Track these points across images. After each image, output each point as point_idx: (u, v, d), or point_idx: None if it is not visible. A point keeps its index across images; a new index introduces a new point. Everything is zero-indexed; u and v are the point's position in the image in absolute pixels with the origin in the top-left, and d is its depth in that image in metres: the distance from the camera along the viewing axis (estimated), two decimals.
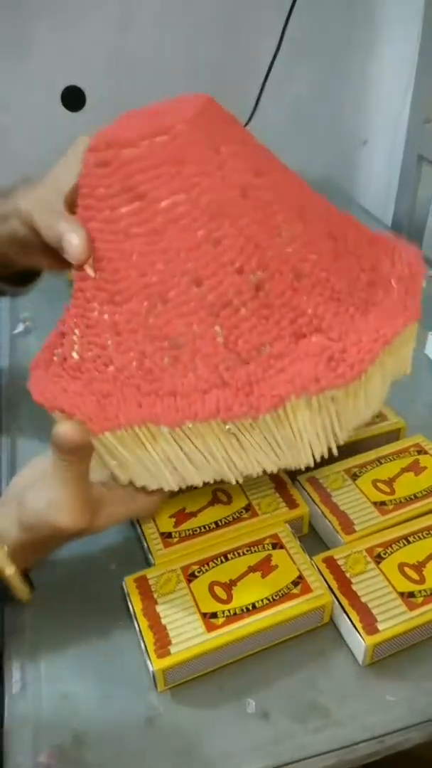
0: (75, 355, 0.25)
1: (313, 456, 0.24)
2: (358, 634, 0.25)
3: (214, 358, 0.23)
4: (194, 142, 0.23)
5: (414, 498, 0.31)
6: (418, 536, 0.28)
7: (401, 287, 0.25)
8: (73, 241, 0.24)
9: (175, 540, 0.29)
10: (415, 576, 0.27)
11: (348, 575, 0.27)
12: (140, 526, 0.29)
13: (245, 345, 0.23)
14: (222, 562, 0.27)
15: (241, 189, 0.23)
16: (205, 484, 0.25)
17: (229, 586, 0.26)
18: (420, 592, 0.26)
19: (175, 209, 0.23)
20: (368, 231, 0.27)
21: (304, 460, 0.24)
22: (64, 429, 0.23)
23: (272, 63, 0.60)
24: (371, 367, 0.23)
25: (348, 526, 0.29)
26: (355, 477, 0.32)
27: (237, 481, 0.24)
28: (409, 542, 0.28)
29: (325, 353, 0.22)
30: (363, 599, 0.26)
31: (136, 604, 0.26)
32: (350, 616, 0.25)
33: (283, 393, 0.22)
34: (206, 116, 0.24)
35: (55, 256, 0.27)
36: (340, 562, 0.27)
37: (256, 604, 0.25)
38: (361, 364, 0.22)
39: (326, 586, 0.26)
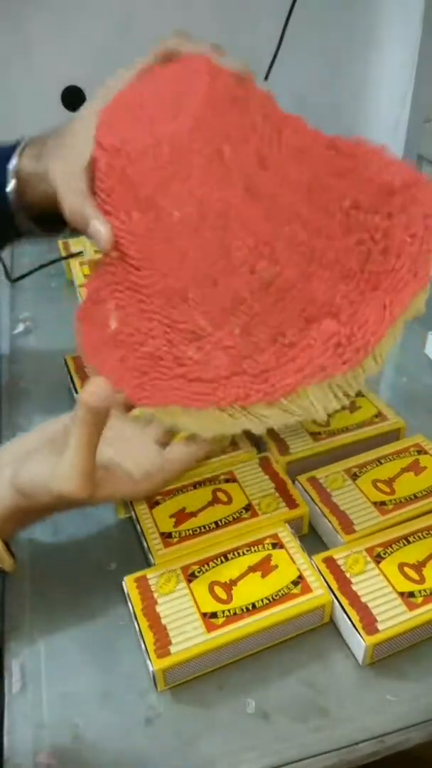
0: (113, 324, 0.26)
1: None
2: (358, 634, 0.25)
3: (233, 349, 0.24)
4: (198, 149, 0.24)
5: (414, 498, 0.31)
6: (418, 536, 0.28)
7: (413, 250, 0.25)
8: (102, 230, 0.25)
9: (175, 540, 0.29)
10: (415, 576, 0.27)
11: (348, 575, 0.27)
12: (140, 525, 0.29)
13: (260, 335, 0.24)
14: (222, 562, 0.27)
15: (246, 187, 0.24)
16: None
17: (229, 586, 0.26)
18: (420, 592, 0.26)
19: (186, 220, 0.24)
20: (382, 176, 0.26)
21: (319, 416, 0.26)
22: (98, 384, 0.23)
23: (272, 63, 0.60)
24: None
25: (348, 526, 0.29)
26: (355, 477, 0.32)
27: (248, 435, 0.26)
28: (409, 542, 0.28)
29: (332, 340, 0.24)
30: (363, 599, 0.26)
31: (136, 603, 0.26)
32: (350, 615, 0.25)
33: (293, 382, 0.23)
34: (210, 106, 0.24)
35: None
36: (339, 562, 0.27)
37: (256, 604, 0.25)
38: (367, 347, 0.24)
39: (326, 585, 0.26)
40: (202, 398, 0.24)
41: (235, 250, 0.24)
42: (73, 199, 0.28)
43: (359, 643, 0.25)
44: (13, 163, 0.32)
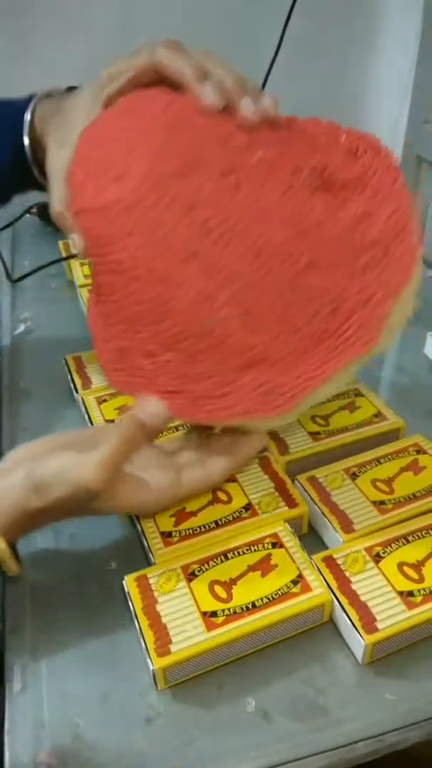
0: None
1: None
2: (357, 633, 0.25)
3: (175, 371, 0.26)
4: (143, 212, 0.25)
5: (413, 497, 0.31)
6: (418, 535, 0.28)
7: (365, 314, 0.26)
8: (77, 244, 0.27)
9: (176, 539, 0.29)
10: (414, 575, 0.27)
11: (347, 574, 0.27)
12: (140, 524, 0.29)
13: (201, 368, 0.26)
14: (222, 561, 0.27)
15: (188, 253, 0.25)
16: None
17: (229, 585, 0.26)
18: (419, 591, 0.26)
19: (131, 269, 0.25)
20: (353, 236, 0.26)
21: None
22: (156, 405, 0.25)
23: (272, 64, 0.60)
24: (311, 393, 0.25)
25: (347, 525, 0.29)
26: (354, 476, 0.32)
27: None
28: (408, 541, 0.28)
29: (262, 388, 0.25)
30: (362, 598, 0.26)
31: (136, 602, 0.26)
32: (350, 615, 0.25)
33: (224, 416, 0.26)
34: (158, 161, 0.25)
35: None
36: (339, 561, 0.27)
37: (256, 603, 0.25)
38: (294, 398, 0.25)
39: (326, 585, 0.26)
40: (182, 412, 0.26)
41: (172, 311, 0.25)
42: (58, 188, 0.29)
43: (359, 642, 0.25)
44: (27, 119, 0.33)
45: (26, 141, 0.33)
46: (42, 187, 0.35)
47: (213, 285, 0.25)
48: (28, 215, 0.60)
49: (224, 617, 0.25)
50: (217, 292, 0.25)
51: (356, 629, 0.25)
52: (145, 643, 0.24)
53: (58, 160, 0.30)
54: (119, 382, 0.28)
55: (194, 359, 0.26)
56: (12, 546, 0.26)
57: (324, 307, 0.25)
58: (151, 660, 0.24)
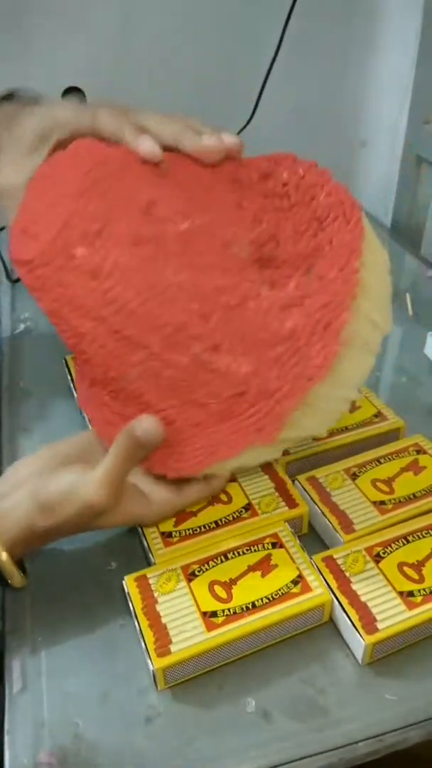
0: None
1: None
2: (357, 633, 0.25)
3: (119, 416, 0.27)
4: (51, 273, 0.25)
5: (413, 497, 0.31)
6: (418, 536, 0.28)
7: (267, 404, 0.25)
8: None
9: (176, 539, 0.29)
10: (414, 575, 0.27)
11: (347, 574, 0.27)
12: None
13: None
14: (222, 561, 0.27)
15: (94, 316, 0.25)
16: None
17: (229, 585, 0.26)
18: (419, 591, 0.26)
19: (60, 326, 0.26)
20: (268, 326, 0.25)
21: None
22: (151, 422, 0.25)
23: (272, 64, 0.60)
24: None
25: (347, 525, 0.29)
26: (354, 476, 0.32)
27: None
28: (408, 541, 0.28)
29: (168, 450, 0.26)
30: (362, 598, 0.26)
31: (136, 603, 0.26)
32: (350, 615, 0.25)
33: (144, 467, 0.27)
34: (70, 223, 0.25)
35: None
36: (339, 562, 0.27)
37: (256, 603, 0.25)
38: (194, 468, 0.26)
39: (326, 585, 0.26)
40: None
41: (92, 353, 0.26)
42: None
43: (359, 643, 0.25)
44: None
45: None
46: None
47: (122, 347, 0.25)
48: None
49: (224, 617, 0.25)
50: (128, 354, 0.25)
51: (356, 629, 0.25)
52: (145, 643, 0.24)
53: (7, 181, 0.30)
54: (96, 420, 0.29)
55: (126, 406, 0.26)
56: (19, 559, 0.26)
57: (229, 389, 0.25)
58: (150, 660, 0.24)
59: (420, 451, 0.33)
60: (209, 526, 0.29)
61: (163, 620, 0.25)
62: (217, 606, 0.25)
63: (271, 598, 0.26)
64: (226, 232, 0.25)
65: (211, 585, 0.26)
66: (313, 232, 0.26)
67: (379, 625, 0.25)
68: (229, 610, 0.25)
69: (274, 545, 0.28)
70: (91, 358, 0.26)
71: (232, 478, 0.32)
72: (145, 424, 0.25)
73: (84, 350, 0.26)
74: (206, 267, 0.25)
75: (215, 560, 0.27)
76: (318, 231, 0.26)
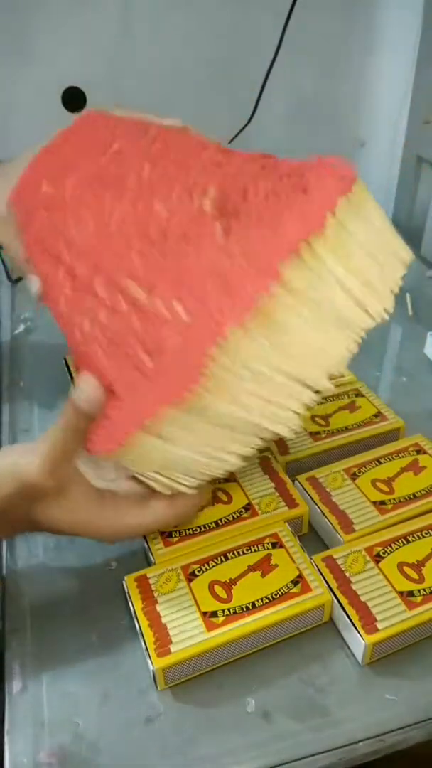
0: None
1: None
2: (357, 633, 0.25)
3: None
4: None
5: (413, 497, 0.31)
6: (418, 535, 0.28)
7: (176, 360, 0.21)
8: (33, 287, 0.27)
9: (176, 539, 0.29)
10: (414, 575, 0.27)
11: (347, 574, 0.27)
12: None
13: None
14: (222, 561, 0.27)
15: (51, 256, 0.24)
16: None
17: (229, 585, 0.26)
18: (419, 591, 0.26)
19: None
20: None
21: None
22: (86, 385, 0.23)
23: (272, 65, 0.60)
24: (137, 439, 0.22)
25: (347, 525, 0.29)
26: (354, 476, 0.32)
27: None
28: (408, 541, 0.28)
29: (105, 421, 0.23)
30: (362, 598, 0.26)
31: (136, 603, 0.26)
32: (350, 615, 0.25)
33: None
34: (36, 169, 0.26)
35: None
36: (339, 562, 0.27)
37: (256, 603, 0.25)
38: (108, 444, 0.23)
39: (326, 585, 0.26)
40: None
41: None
42: (6, 235, 0.29)
43: (359, 642, 0.25)
44: None
45: None
46: None
47: (76, 295, 0.23)
48: None
49: (224, 617, 0.25)
50: (80, 301, 0.23)
51: (356, 629, 0.25)
52: (145, 644, 0.24)
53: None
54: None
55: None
56: None
57: (161, 339, 0.21)
58: (151, 660, 0.24)
59: (420, 451, 0.33)
60: (209, 526, 0.29)
61: (163, 620, 0.25)
62: (217, 606, 0.25)
63: (271, 598, 0.26)
64: (190, 180, 0.23)
65: (211, 585, 0.26)
66: (283, 189, 0.22)
67: (379, 625, 0.25)
68: (229, 610, 0.25)
69: (274, 545, 0.28)
70: (56, 311, 0.24)
71: (232, 478, 0.32)
72: (81, 386, 0.23)
73: (51, 300, 0.24)
74: (159, 210, 0.22)
75: (215, 560, 0.27)
76: (287, 189, 0.22)
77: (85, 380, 0.23)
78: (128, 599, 0.26)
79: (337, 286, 0.20)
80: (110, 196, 0.24)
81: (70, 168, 0.25)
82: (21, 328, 0.48)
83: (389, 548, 0.28)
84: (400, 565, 0.27)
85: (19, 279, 0.53)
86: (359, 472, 0.32)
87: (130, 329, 0.22)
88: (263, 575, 0.27)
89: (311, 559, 0.27)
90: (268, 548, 0.28)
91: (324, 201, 0.20)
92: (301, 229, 0.20)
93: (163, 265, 0.22)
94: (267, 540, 0.28)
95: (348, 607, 0.26)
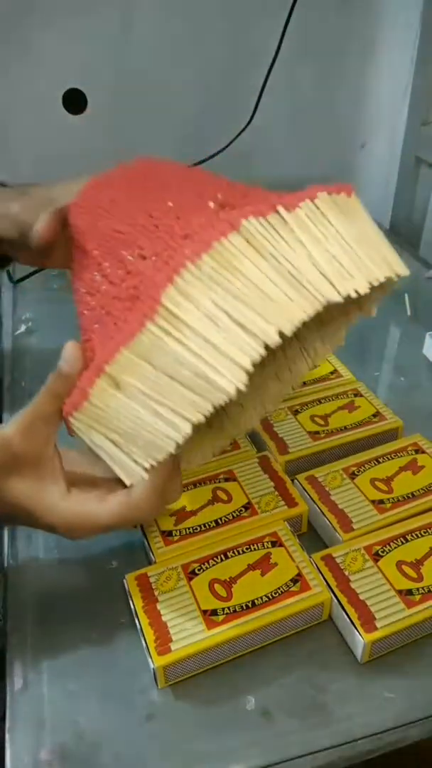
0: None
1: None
2: (356, 632, 0.25)
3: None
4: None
5: (412, 496, 0.31)
6: (416, 534, 0.29)
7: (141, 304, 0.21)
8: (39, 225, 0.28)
9: (176, 538, 0.29)
10: (412, 574, 0.27)
11: (346, 573, 0.27)
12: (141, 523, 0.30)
13: None
14: (222, 560, 0.27)
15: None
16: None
17: (228, 584, 0.26)
18: (418, 589, 0.26)
19: None
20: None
21: None
22: (67, 349, 0.24)
23: (271, 66, 0.61)
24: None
25: (346, 524, 0.29)
26: (353, 476, 0.32)
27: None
28: (406, 540, 0.28)
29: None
30: (361, 597, 0.26)
31: (136, 601, 0.26)
32: (349, 613, 0.25)
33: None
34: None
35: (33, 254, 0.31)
36: (338, 560, 0.28)
37: (256, 602, 0.26)
38: (76, 399, 0.23)
39: (325, 583, 0.26)
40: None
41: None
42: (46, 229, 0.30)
43: (358, 641, 0.25)
44: None
45: None
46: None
47: (84, 261, 0.25)
48: None
49: (224, 616, 0.25)
50: (84, 268, 0.25)
51: (355, 628, 0.25)
52: (146, 642, 0.25)
53: (30, 200, 0.31)
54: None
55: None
56: None
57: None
58: (151, 658, 0.24)
59: (418, 450, 0.33)
60: (209, 525, 0.29)
61: (164, 618, 0.25)
62: (217, 604, 0.26)
63: (270, 597, 0.26)
64: (200, 189, 0.25)
65: (211, 583, 0.26)
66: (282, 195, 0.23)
67: (378, 624, 0.25)
68: (229, 608, 0.25)
69: (273, 544, 0.28)
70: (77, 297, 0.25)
71: (232, 477, 0.32)
72: (63, 351, 0.24)
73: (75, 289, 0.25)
74: (168, 201, 0.24)
75: (215, 559, 0.27)
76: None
77: (67, 345, 0.24)
78: (129, 598, 0.26)
79: (303, 251, 0.20)
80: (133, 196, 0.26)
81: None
82: (22, 328, 0.48)
83: (388, 547, 0.28)
84: (399, 564, 0.27)
85: (21, 280, 0.53)
86: (358, 472, 0.32)
87: (118, 291, 0.23)
88: (263, 574, 0.27)
89: (310, 557, 0.28)
90: (267, 547, 0.28)
91: (308, 193, 0.21)
92: (278, 202, 0.21)
93: (156, 234, 0.23)
94: (266, 539, 0.28)
95: (347, 606, 0.26)
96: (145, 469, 0.22)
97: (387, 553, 0.28)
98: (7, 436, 0.23)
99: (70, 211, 0.28)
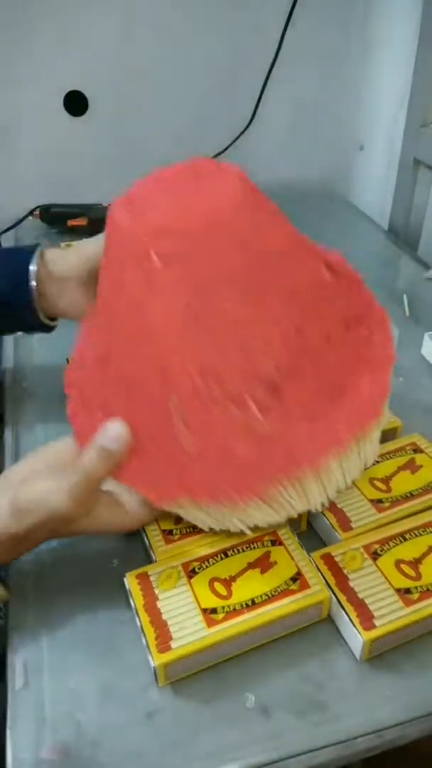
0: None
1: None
2: (355, 630, 0.25)
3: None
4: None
5: (410, 496, 0.31)
6: (414, 533, 0.29)
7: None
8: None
9: (176, 537, 0.29)
10: (411, 572, 0.27)
11: (345, 572, 0.27)
12: None
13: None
14: (222, 558, 0.28)
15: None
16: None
17: (228, 582, 0.27)
18: (416, 588, 0.26)
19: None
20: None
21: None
22: (116, 429, 0.25)
23: (271, 68, 0.61)
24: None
25: (345, 523, 0.30)
26: None
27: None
28: (405, 539, 0.28)
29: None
30: (360, 595, 0.26)
31: (137, 599, 0.26)
32: (348, 612, 0.26)
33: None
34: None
35: None
36: (337, 559, 0.28)
37: (256, 600, 0.26)
38: (158, 496, 0.26)
39: (324, 582, 0.27)
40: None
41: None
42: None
43: (357, 639, 0.25)
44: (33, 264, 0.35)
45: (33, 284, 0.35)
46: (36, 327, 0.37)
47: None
48: (31, 217, 0.60)
49: (224, 614, 0.25)
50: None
51: (354, 626, 0.25)
52: (146, 640, 0.25)
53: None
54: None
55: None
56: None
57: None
58: (152, 656, 0.24)
59: (417, 449, 0.34)
60: None
61: (164, 617, 0.25)
62: (217, 603, 0.26)
63: (270, 595, 0.26)
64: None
65: (211, 582, 0.27)
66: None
67: (377, 622, 0.25)
68: (228, 606, 0.26)
69: (273, 543, 0.28)
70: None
71: None
72: (111, 432, 0.25)
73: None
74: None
75: (215, 557, 0.28)
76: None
77: (109, 424, 0.26)
78: (129, 596, 0.27)
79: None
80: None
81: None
82: None
83: (387, 546, 0.28)
84: (398, 563, 0.27)
85: None
86: None
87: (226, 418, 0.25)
88: (262, 572, 0.27)
89: (310, 556, 0.28)
90: (267, 546, 0.28)
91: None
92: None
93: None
94: (266, 538, 0.28)
95: (346, 604, 0.26)
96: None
97: (386, 551, 0.28)
98: (64, 513, 0.25)
99: None
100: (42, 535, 0.26)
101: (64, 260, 0.35)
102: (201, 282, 0.25)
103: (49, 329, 0.37)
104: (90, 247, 0.35)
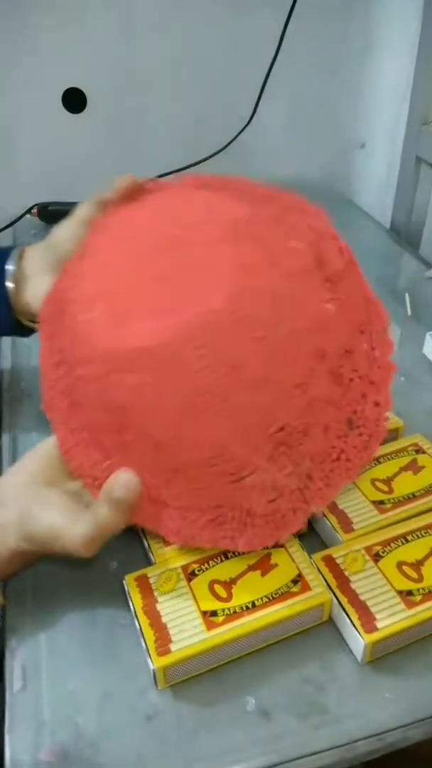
0: None
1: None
2: (357, 632, 0.25)
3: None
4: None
5: (412, 497, 0.31)
6: (416, 535, 0.28)
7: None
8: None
9: None
10: (413, 574, 0.27)
11: (347, 573, 0.27)
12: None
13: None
14: (222, 560, 0.27)
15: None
16: None
17: (228, 585, 0.26)
18: (418, 590, 0.26)
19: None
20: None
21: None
22: (126, 477, 0.25)
23: (271, 66, 0.60)
24: None
25: (347, 524, 0.29)
26: None
27: None
28: (407, 541, 0.28)
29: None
30: (362, 597, 0.26)
31: (136, 602, 0.26)
32: (349, 614, 0.25)
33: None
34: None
35: None
36: (338, 561, 0.27)
37: (256, 603, 0.26)
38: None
39: (325, 584, 0.26)
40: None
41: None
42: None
43: (358, 642, 0.25)
44: (10, 267, 0.34)
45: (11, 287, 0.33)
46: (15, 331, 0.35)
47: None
48: (28, 216, 0.60)
49: (224, 616, 0.25)
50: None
51: (356, 628, 0.25)
52: (146, 643, 0.25)
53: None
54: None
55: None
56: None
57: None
58: (151, 659, 0.24)
59: (419, 450, 0.33)
60: None
61: (164, 619, 0.25)
62: (217, 605, 0.26)
63: (270, 598, 0.26)
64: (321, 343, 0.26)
65: (210, 584, 0.26)
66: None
67: (379, 624, 0.25)
68: (228, 609, 0.25)
69: (273, 544, 0.28)
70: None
71: None
72: (121, 480, 0.25)
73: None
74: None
75: (215, 560, 0.27)
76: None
77: (119, 473, 0.25)
78: (128, 598, 0.26)
79: None
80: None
81: None
82: None
83: (388, 547, 0.28)
84: (399, 565, 0.27)
85: None
86: None
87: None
88: (263, 574, 0.27)
89: (311, 558, 0.28)
90: (267, 547, 0.28)
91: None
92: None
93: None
94: None
95: (347, 606, 0.26)
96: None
97: (387, 553, 0.28)
98: (74, 551, 0.25)
99: None
100: (50, 555, 0.26)
101: (35, 257, 0.34)
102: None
103: (29, 332, 0.36)
104: (56, 237, 0.32)
